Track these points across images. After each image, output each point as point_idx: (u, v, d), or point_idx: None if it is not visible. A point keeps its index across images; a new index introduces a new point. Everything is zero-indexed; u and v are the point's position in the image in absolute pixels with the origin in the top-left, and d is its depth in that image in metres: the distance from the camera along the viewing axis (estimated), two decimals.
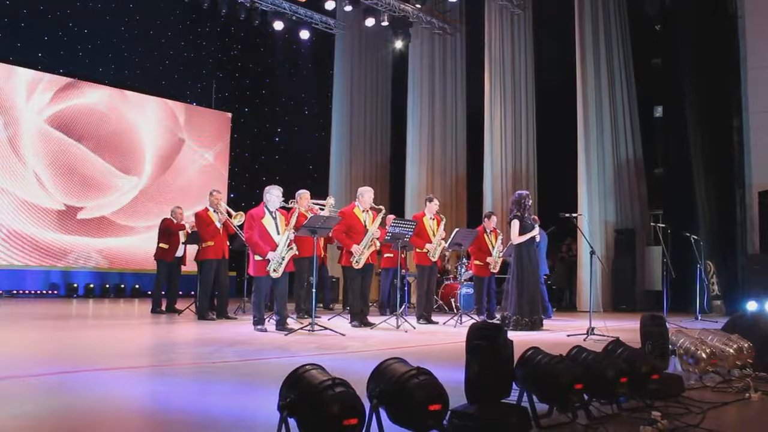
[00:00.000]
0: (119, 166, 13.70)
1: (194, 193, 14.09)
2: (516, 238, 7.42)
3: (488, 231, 9.19)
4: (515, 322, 7.27)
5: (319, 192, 11.35)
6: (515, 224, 7.44)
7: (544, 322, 7.77)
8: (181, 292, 9.94)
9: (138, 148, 14.03)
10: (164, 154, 14.40)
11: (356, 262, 7.24)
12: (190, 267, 9.50)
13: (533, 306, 7.34)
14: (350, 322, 7.50)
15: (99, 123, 13.47)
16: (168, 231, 9.30)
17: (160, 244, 9.32)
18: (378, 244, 7.56)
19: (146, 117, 14.19)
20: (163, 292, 9.35)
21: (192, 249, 9.03)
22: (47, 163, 12.78)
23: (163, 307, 9.18)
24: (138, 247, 13.48)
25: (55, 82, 12.99)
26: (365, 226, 7.33)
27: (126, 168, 13.81)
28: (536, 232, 7.54)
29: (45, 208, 12.68)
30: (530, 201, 7.69)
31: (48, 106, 12.86)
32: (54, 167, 12.85)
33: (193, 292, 10.00)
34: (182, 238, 9.29)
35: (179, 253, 9.37)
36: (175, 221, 9.38)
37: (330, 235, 7.71)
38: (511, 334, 2.77)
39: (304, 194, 8.40)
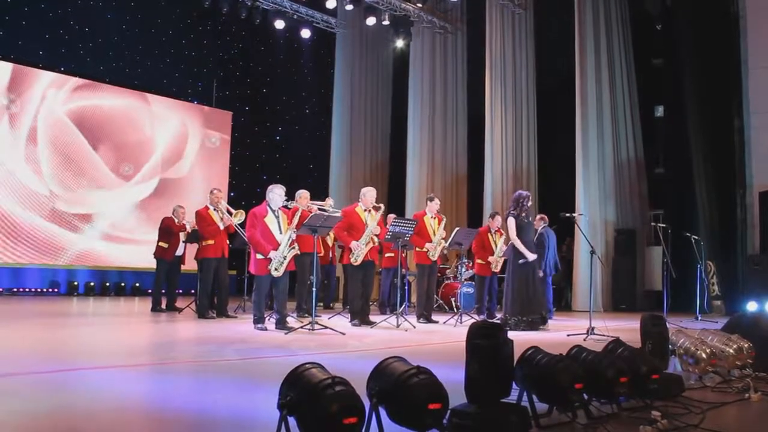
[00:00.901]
0: (118, 164, 13.70)
1: (195, 192, 14.10)
2: (514, 238, 7.42)
3: (492, 231, 9.20)
4: (504, 320, 7.26)
5: (320, 191, 11.37)
6: (511, 222, 7.44)
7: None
8: (181, 291, 9.93)
9: (138, 147, 14.02)
10: (164, 152, 14.39)
11: (354, 259, 7.28)
12: (190, 266, 9.49)
13: (529, 306, 7.30)
14: (350, 321, 7.51)
15: (98, 122, 13.47)
16: (168, 230, 9.25)
17: (160, 243, 9.27)
18: (376, 240, 7.57)
19: (147, 115, 14.18)
20: (163, 291, 9.36)
21: (192, 248, 9.03)
22: (46, 152, 12.77)
23: (163, 306, 9.18)
24: (137, 245, 13.48)
25: (56, 79, 12.99)
26: (366, 224, 7.37)
27: (125, 165, 13.80)
28: (531, 258, 7.34)
29: (38, 198, 12.69)
30: (530, 202, 7.64)
31: (49, 104, 12.85)
32: (52, 157, 12.84)
33: (193, 291, 10.00)
34: (182, 237, 9.28)
35: (179, 252, 9.34)
36: (176, 220, 9.33)
37: (332, 233, 7.73)
38: (511, 334, 2.77)
39: (303, 194, 8.43)
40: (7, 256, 12.17)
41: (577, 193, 11.86)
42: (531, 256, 7.33)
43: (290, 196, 7.92)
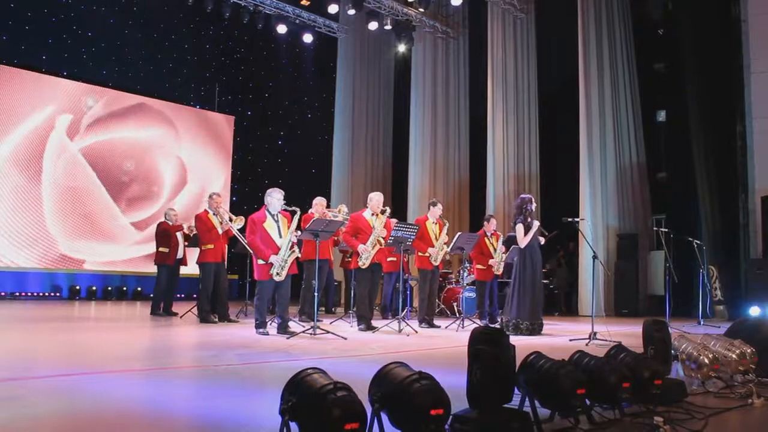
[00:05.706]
0: (119, 168, 13.73)
1: (196, 195, 14.12)
2: (521, 241, 7.42)
3: (488, 234, 9.17)
4: (515, 326, 7.24)
5: (321, 195, 11.32)
6: (519, 229, 7.43)
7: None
8: (183, 295, 9.91)
9: (139, 149, 14.05)
10: (166, 156, 14.42)
11: (363, 262, 7.37)
12: (191, 269, 9.45)
13: (534, 310, 7.31)
14: (358, 326, 7.51)
15: (100, 125, 13.50)
16: (166, 234, 9.16)
17: (160, 249, 9.18)
18: (382, 242, 7.59)
19: (149, 119, 14.21)
20: None
21: (190, 251, 8.99)
22: (49, 155, 12.84)
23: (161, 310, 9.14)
24: (138, 249, 13.50)
25: (60, 83, 13.03)
26: (373, 228, 7.46)
27: (127, 168, 13.83)
28: (535, 228, 7.45)
29: (40, 199, 12.71)
30: (533, 205, 7.64)
31: (54, 109, 12.90)
32: (53, 161, 12.90)
33: (195, 295, 9.98)
34: (180, 238, 9.21)
35: (179, 254, 9.27)
36: (171, 223, 9.28)
37: (339, 239, 7.76)
38: (513, 339, 2.77)
39: (320, 201, 8.49)
40: (9, 260, 12.19)
41: (582, 198, 11.82)
42: (525, 241, 7.37)
43: (290, 200, 7.92)
